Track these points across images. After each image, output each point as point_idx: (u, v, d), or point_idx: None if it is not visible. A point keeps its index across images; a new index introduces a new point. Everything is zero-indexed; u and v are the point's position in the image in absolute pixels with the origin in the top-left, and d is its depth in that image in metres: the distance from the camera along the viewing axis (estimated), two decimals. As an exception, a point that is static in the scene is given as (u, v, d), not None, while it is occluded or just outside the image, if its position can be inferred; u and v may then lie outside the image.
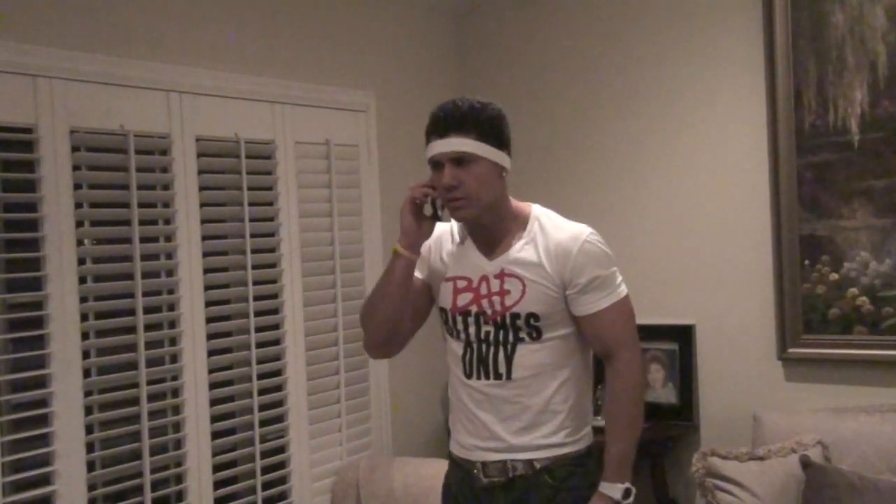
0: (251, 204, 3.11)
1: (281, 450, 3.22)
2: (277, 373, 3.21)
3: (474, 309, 2.10)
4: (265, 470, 3.14)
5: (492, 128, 2.06)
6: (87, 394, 2.66)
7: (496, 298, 2.08)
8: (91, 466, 2.66)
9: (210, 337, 2.99)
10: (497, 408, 2.10)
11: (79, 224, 2.66)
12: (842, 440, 2.87)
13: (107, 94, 2.73)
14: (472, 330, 2.12)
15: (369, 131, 3.60)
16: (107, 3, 2.76)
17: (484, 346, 2.10)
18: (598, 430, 2.11)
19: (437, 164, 2.05)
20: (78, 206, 2.66)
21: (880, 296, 3.08)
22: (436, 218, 2.14)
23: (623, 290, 2.11)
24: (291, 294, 3.25)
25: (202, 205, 2.97)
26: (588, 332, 2.11)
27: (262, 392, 3.13)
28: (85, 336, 2.67)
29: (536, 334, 2.08)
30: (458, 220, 2.13)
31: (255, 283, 3.12)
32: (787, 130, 3.22)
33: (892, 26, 3.04)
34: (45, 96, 2.58)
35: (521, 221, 2.13)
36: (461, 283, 2.13)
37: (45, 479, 2.56)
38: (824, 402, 3.12)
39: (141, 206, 2.80)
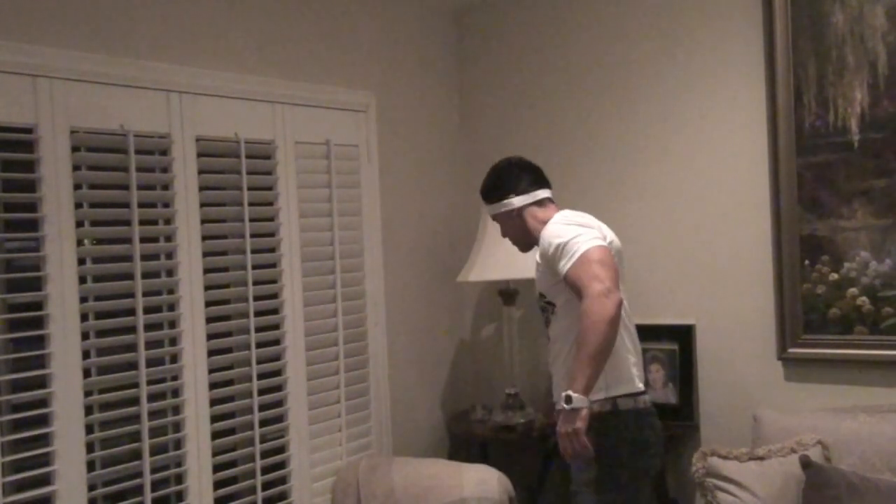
0: (251, 204, 3.12)
1: (281, 450, 3.22)
2: (277, 373, 3.21)
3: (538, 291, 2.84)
4: (265, 470, 3.14)
5: (493, 189, 2.91)
6: (87, 394, 2.66)
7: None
8: (91, 466, 2.66)
9: (210, 337, 2.99)
10: (555, 365, 2.77)
11: (79, 224, 2.66)
12: (842, 440, 2.86)
13: (107, 94, 2.73)
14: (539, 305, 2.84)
15: (369, 131, 3.60)
16: (107, 3, 2.76)
17: (544, 317, 2.83)
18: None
19: None
20: (78, 206, 2.66)
21: (880, 296, 3.08)
22: None
23: (582, 247, 2.56)
24: (291, 294, 3.25)
25: (202, 205, 2.98)
26: (568, 285, 2.61)
27: (262, 392, 3.14)
28: (85, 336, 2.66)
29: (552, 308, 2.74)
30: (523, 252, 2.97)
31: (255, 283, 3.12)
32: (787, 130, 3.22)
33: (892, 26, 3.04)
34: (45, 96, 2.58)
35: None
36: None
37: (45, 479, 2.56)
38: (824, 402, 3.13)
39: (141, 206, 2.80)
